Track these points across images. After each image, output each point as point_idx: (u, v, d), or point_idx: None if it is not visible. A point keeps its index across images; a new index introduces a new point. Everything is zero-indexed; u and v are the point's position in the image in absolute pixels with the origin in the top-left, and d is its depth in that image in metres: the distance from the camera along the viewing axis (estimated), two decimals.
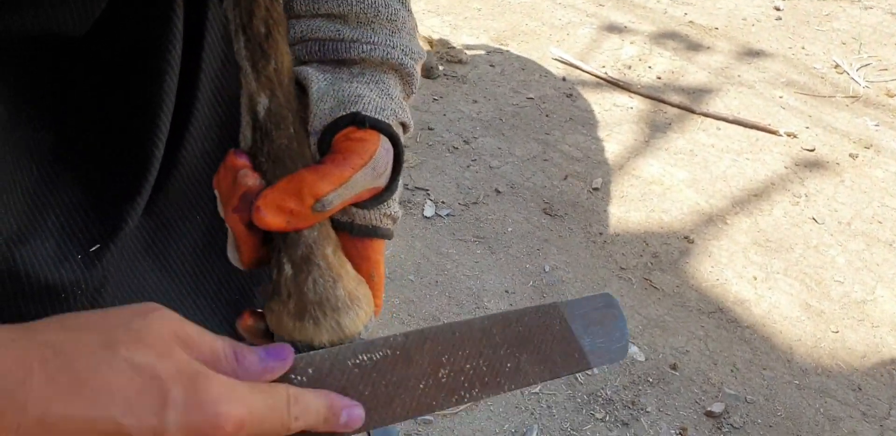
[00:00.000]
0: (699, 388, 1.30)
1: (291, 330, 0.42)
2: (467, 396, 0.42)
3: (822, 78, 2.12)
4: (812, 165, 1.81)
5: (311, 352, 0.40)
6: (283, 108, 0.43)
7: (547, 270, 1.50)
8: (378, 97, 0.46)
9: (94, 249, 0.53)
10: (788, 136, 1.89)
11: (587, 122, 1.93)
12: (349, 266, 0.44)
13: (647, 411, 1.26)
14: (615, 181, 1.74)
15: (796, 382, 1.32)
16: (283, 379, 0.39)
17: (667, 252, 1.56)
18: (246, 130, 0.44)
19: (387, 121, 0.45)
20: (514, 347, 0.43)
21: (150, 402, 0.31)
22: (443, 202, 1.62)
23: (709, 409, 1.26)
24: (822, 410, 1.28)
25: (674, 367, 1.33)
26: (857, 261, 1.55)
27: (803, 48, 2.26)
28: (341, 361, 0.40)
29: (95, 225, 0.55)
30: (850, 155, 1.83)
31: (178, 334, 0.35)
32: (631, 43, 2.27)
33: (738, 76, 2.13)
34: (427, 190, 1.64)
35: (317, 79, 0.46)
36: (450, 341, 0.42)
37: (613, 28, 2.34)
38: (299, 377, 0.39)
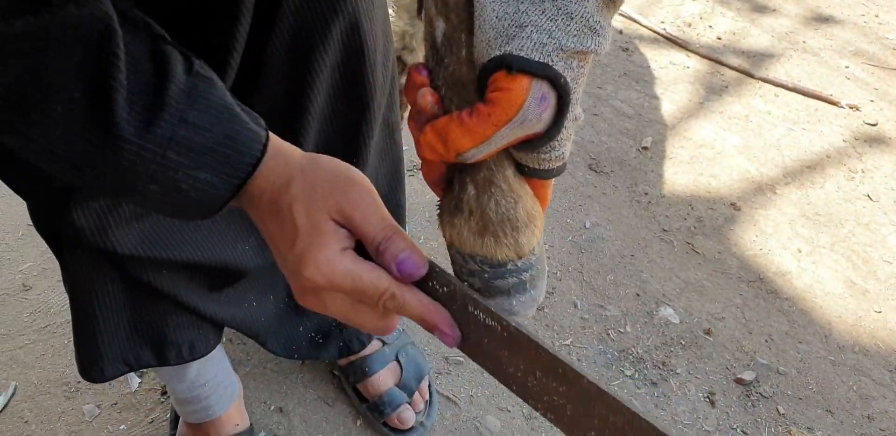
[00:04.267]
0: (731, 355, 1.28)
1: (472, 245, 0.45)
2: (542, 412, 0.43)
3: (894, 50, 2.03)
4: (873, 140, 1.74)
5: (452, 277, 0.43)
6: (457, 31, 0.43)
7: (588, 226, 1.47)
8: (547, 22, 0.40)
9: None
10: (850, 108, 1.82)
11: (641, 78, 1.86)
12: (527, 186, 0.46)
13: (677, 373, 1.24)
14: (665, 141, 1.68)
15: (831, 358, 1.30)
16: (422, 281, 0.44)
17: (711, 217, 1.52)
18: (428, 52, 0.45)
19: (547, 59, 0.40)
20: (608, 431, 0.40)
21: (288, 244, 0.44)
22: None
23: (739, 376, 1.24)
24: (854, 387, 1.26)
25: (708, 332, 1.31)
26: None
27: (877, 16, 2.15)
28: (466, 303, 0.43)
29: None
30: None
31: (343, 212, 0.44)
32: (693, 0, 2.17)
33: (803, 42, 2.04)
34: None
35: (486, 1, 0.41)
36: (551, 371, 0.41)
37: None
38: (436, 286, 0.44)
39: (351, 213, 0.43)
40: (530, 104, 0.40)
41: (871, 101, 1.85)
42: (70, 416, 1.14)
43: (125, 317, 0.80)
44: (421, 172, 0.47)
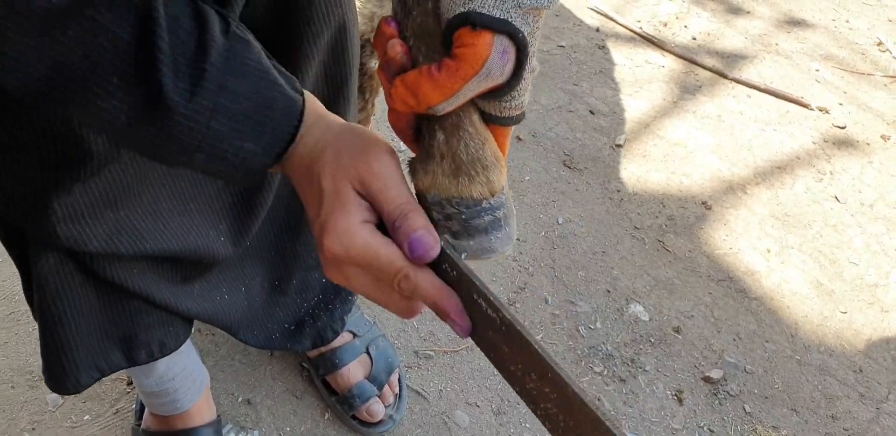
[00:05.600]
0: (700, 353, 1.29)
1: (448, 187, 0.47)
2: (542, 421, 0.41)
3: (863, 54, 2.06)
4: (841, 142, 1.77)
5: (461, 263, 0.44)
6: None
7: (560, 222, 1.47)
8: None
9: None
10: (820, 110, 1.84)
11: (617, 76, 1.87)
12: (489, 131, 0.49)
13: (646, 370, 1.25)
14: (639, 139, 1.69)
15: (797, 357, 1.31)
16: (436, 263, 0.44)
17: (683, 216, 1.53)
18: (396, 5, 0.47)
19: (506, 15, 0.43)
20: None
21: (315, 210, 0.46)
22: None
23: (707, 374, 1.25)
24: (819, 387, 1.27)
25: (677, 330, 1.32)
26: (875, 244, 1.53)
27: (847, 22, 2.18)
28: (470, 288, 0.44)
29: None
30: (882, 136, 1.79)
31: (363, 181, 0.45)
32: (670, 0, 2.18)
33: (776, 45, 2.06)
34: None
35: None
36: (542, 374, 0.41)
37: None
38: (448, 269, 0.44)
39: (370, 183, 0.45)
40: (494, 58, 0.43)
41: (840, 104, 1.88)
42: (33, 405, 1.11)
43: (96, 321, 0.78)
44: (388, 121, 0.50)
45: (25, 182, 0.62)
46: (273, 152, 0.48)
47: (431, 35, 0.45)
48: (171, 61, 0.43)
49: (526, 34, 0.44)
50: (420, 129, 0.49)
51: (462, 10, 0.43)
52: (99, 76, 0.42)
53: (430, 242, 0.44)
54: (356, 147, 0.46)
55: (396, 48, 0.46)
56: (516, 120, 0.49)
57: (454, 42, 0.44)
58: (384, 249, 0.44)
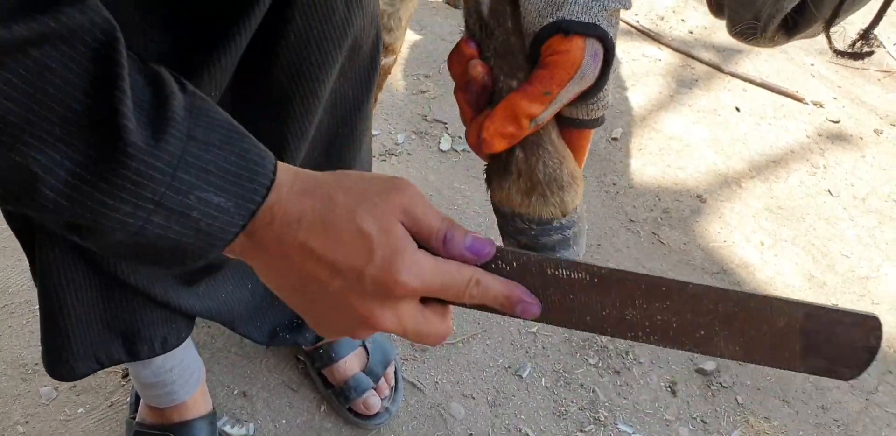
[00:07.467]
0: None
1: (519, 205, 0.48)
2: (643, 338, 0.46)
3: None
4: (835, 136, 1.78)
5: (522, 251, 0.45)
6: (500, 4, 0.47)
7: None
8: None
9: None
10: (815, 105, 1.85)
11: (613, 69, 1.87)
12: (568, 149, 0.49)
13: (640, 362, 1.26)
14: (634, 133, 1.70)
15: None
16: (489, 263, 0.46)
17: (678, 209, 1.54)
18: (474, 26, 0.48)
19: (595, 20, 0.44)
20: (717, 320, 0.44)
21: (362, 257, 0.43)
22: (460, 137, 1.58)
23: (700, 366, 1.26)
24: (811, 378, 1.29)
25: None
26: (867, 237, 1.54)
27: None
28: (544, 267, 0.45)
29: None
30: (875, 131, 1.80)
31: (407, 211, 0.44)
32: None
33: None
34: (445, 123, 1.60)
35: None
36: (652, 293, 0.44)
37: None
38: (503, 266, 0.46)
39: (413, 210, 0.44)
40: (587, 61, 0.45)
41: (835, 98, 1.88)
42: (26, 398, 1.12)
43: (98, 314, 0.79)
44: (465, 139, 0.51)
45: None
46: (246, 208, 0.41)
47: (514, 54, 0.47)
48: (132, 104, 0.37)
49: (612, 35, 0.46)
50: None
51: (551, 20, 0.45)
52: (37, 123, 0.36)
53: (486, 241, 0.45)
54: (377, 184, 0.44)
55: (478, 68, 0.47)
56: (601, 121, 0.50)
57: (544, 52, 0.46)
58: (450, 266, 0.44)
